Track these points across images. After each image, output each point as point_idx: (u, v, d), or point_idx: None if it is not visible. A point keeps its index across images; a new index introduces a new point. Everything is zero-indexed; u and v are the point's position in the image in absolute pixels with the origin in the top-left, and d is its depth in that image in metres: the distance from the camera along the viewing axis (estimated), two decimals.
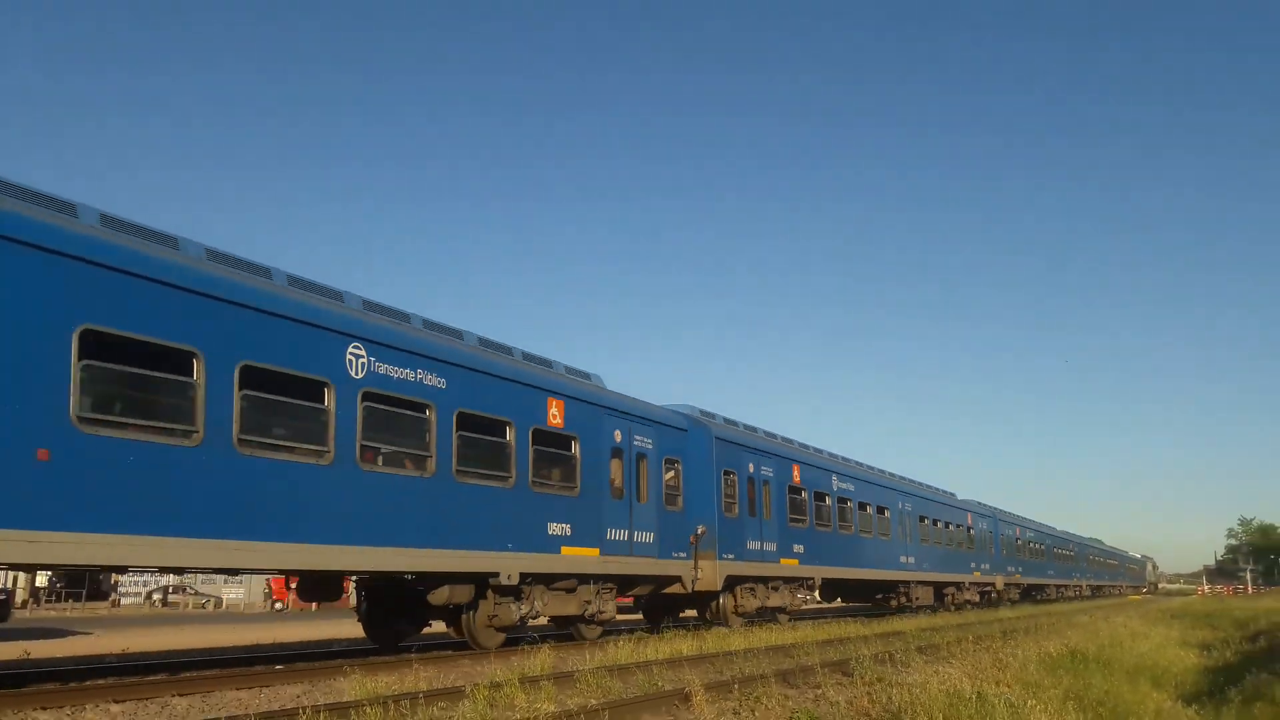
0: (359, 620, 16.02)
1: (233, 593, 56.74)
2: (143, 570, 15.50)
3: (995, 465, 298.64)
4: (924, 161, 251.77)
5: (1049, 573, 54.30)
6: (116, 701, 9.35)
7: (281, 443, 11.23)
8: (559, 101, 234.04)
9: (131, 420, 9.58)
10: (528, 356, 16.41)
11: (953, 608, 36.50)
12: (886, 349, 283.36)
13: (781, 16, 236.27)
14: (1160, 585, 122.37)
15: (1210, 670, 18.21)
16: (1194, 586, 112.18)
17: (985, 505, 43.88)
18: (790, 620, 23.89)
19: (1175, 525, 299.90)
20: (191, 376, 10.11)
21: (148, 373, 9.90)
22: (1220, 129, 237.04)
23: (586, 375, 18.16)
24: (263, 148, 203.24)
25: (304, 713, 7.68)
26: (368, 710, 7.98)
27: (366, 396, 12.29)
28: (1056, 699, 10.71)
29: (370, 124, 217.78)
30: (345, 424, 11.90)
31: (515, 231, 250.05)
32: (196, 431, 10.03)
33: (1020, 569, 47.04)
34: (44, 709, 8.72)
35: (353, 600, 18.13)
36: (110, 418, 9.40)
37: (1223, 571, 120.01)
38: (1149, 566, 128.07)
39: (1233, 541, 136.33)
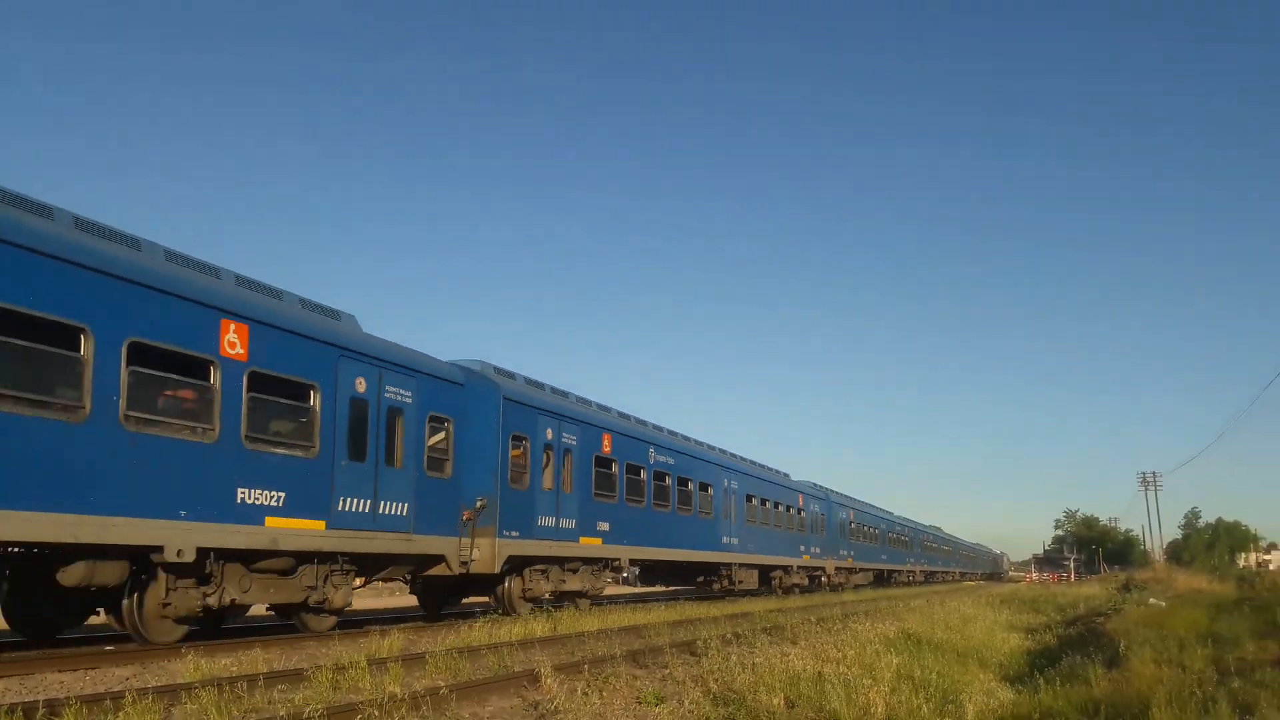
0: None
1: None
2: None
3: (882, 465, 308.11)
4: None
5: (882, 557, 53.04)
6: None
7: None
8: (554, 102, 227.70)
9: None
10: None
11: (779, 592, 35.25)
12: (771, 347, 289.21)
13: (782, 20, 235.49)
14: (1010, 574, 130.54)
15: (1032, 652, 19.49)
16: (1023, 574, 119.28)
17: (820, 487, 42.53)
18: (590, 605, 21.38)
19: (1016, 517, 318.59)
20: None
21: None
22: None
23: (334, 312, 14.81)
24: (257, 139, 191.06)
25: (130, 695, 7.31)
26: (201, 693, 7.66)
27: None
28: (890, 679, 11.25)
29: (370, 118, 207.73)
30: None
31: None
32: None
33: (853, 553, 45.77)
34: None
35: None
36: None
37: (1050, 560, 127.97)
38: (1005, 559, 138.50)
39: (1059, 532, 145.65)
